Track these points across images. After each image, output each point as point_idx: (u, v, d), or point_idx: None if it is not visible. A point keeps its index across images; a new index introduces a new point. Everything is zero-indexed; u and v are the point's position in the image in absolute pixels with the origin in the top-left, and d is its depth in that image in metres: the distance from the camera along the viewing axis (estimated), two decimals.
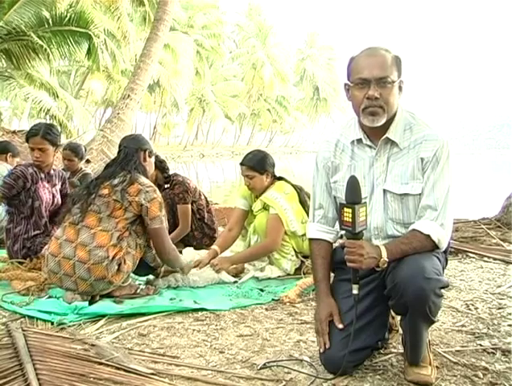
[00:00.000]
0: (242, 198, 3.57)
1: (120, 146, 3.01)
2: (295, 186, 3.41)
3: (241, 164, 3.39)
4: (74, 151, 4.80)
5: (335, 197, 1.98)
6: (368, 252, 1.68)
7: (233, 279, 3.22)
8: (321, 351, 1.86)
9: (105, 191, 2.76)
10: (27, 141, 3.44)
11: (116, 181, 2.78)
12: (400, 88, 1.82)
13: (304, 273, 3.23)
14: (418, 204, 1.81)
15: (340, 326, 1.83)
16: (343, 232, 1.75)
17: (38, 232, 3.38)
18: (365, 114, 1.78)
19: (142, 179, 2.82)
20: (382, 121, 1.78)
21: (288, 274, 3.31)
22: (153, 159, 3.09)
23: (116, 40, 18.29)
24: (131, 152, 2.92)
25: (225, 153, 48.54)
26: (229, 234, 3.53)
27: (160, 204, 2.80)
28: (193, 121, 46.57)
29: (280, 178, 3.48)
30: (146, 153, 2.99)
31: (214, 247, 3.43)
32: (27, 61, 10.94)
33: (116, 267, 2.69)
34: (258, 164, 3.33)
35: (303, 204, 3.32)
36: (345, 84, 1.85)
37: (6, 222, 3.50)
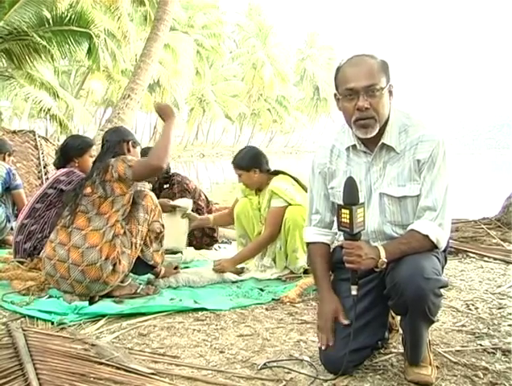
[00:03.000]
0: (241, 191, 3.61)
1: (103, 141, 2.97)
2: (294, 178, 3.40)
3: (232, 162, 3.48)
4: None
5: (332, 202, 1.98)
6: (366, 252, 1.68)
7: (238, 277, 3.23)
8: (323, 348, 1.86)
9: (89, 190, 2.74)
10: (88, 150, 3.53)
11: (94, 176, 2.76)
12: (390, 93, 1.80)
13: (305, 274, 3.22)
14: (416, 206, 1.81)
15: (346, 322, 1.82)
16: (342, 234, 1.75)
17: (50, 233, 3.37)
18: (357, 127, 1.78)
19: (112, 160, 2.77)
20: (375, 131, 1.78)
21: (291, 272, 3.30)
22: (138, 149, 3.05)
23: (116, 40, 18.32)
24: (113, 144, 2.89)
25: (226, 153, 48.50)
26: (227, 215, 3.70)
27: (123, 160, 2.72)
28: (193, 120, 46.56)
29: (278, 173, 3.44)
30: (130, 144, 2.95)
31: (208, 216, 3.67)
32: (28, 61, 10.93)
33: (111, 267, 2.68)
34: (242, 162, 3.38)
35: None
36: (335, 95, 1.84)
37: (22, 217, 3.45)
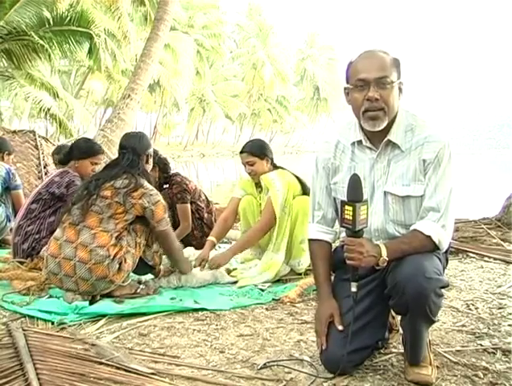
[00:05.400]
0: (241, 189, 3.56)
1: (123, 147, 2.95)
2: (298, 177, 3.38)
3: (241, 152, 3.44)
4: (61, 154, 4.67)
5: (335, 198, 1.98)
6: (368, 250, 1.68)
7: (232, 279, 3.22)
8: (319, 351, 1.86)
9: (107, 193, 2.75)
10: (91, 156, 3.51)
11: (118, 184, 2.77)
12: (400, 90, 1.81)
13: (305, 274, 3.22)
14: (419, 206, 1.81)
15: (340, 327, 1.83)
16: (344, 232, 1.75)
17: (48, 234, 3.37)
18: (366, 118, 1.78)
19: (147, 184, 2.84)
20: (383, 124, 1.78)
21: (292, 271, 3.28)
22: (151, 160, 3.09)
23: (116, 40, 18.30)
24: (136, 158, 2.90)
25: (226, 153, 48.55)
26: (224, 224, 3.50)
27: (164, 207, 2.84)
28: (193, 120, 46.58)
29: (281, 168, 3.46)
30: (149, 156, 3.02)
31: (210, 238, 3.38)
32: (28, 61, 10.94)
33: (117, 266, 2.69)
34: (257, 149, 3.39)
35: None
36: (345, 88, 1.85)
37: (19, 218, 3.46)
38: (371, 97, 1.74)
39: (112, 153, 10.32)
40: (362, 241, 1.69)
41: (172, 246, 2.97)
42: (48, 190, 3.42)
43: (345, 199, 1.69)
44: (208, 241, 3.37)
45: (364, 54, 1.82)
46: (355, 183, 1.67)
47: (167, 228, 2.86)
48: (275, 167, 3.46)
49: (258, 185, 3.50)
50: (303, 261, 3.22)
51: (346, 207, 1.66)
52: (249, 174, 3.44)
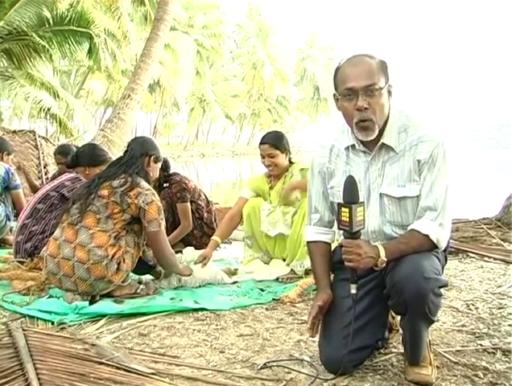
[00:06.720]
0: (251, 189, 3.51)
1: (128, 147, 3.00)
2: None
3: (263, 143, 3.33)
4: (63, 153, 4.63)
5: (331, 202, 1.98)
6: (366, 251, 1.68)
7: (231, 279, 3.22)
8: (319, 351, 1.86)
9: (105, 193, 2.75)
10: (102, 165, 3.41)
11: (116, 183, 2.77)
12: (389, 93, 1.81)
13: (305, 274, 3.22)
14: (416, 206, 1.81)
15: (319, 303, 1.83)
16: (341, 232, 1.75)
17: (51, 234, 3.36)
18: (358, 129, 1.79)
19: (143, 183, 2.81)
20: (375, 133, 1.79)
21: (293, 272, 3.27)
22: (159, 165, 3.08)
23: (116, 40, 18.33)
24: (136, 155, 2.91)
25: (226, 153, 48.60)
26: (230, 223, 3.43)
27: (158, 208, 2.78)
28: (193, 120, 46.61)
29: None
30: (151, 158, 2.97)
31: (215, 237, 3.35)
32: (28, 61, 10.94)
33: (115, 266, 2.69)
34: (279, 142, 3.30)
35: None
36: (334, 95, 1.85)
37: (23, 217, 3.45)
38: (360, 107, 1.74)
39: (112, 153, 10.30)
40: (360, 243, 1.69)
41: (162, 249, 2.84)
42: (59, 192, 3.41)
43: (342, 201, 1.70)
44: (212, 240, 3.34)
45: (350, 60, 1.80)
46: (350, 185, 1.67)
47: (158, 230, 2.77)
48: (290, 163, 3.41)
49: (272, 179, 3.44)
50: (305, 264, 3.19)
51: (343, 209, 1.67)
52: (268, 166, 3.34)
